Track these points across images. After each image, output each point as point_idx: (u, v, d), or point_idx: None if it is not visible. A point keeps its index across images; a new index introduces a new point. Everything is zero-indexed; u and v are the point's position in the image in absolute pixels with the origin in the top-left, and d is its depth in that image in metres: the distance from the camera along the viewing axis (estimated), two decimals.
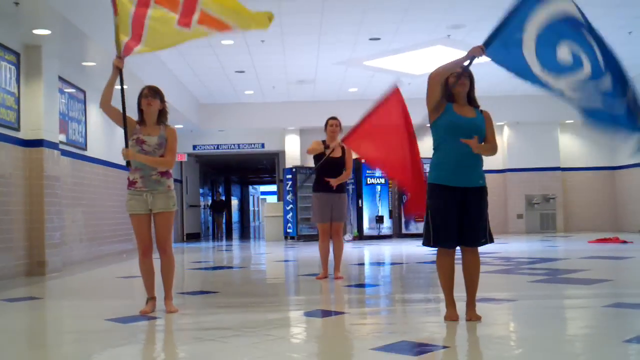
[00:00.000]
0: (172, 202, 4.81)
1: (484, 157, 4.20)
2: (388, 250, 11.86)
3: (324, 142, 6.80)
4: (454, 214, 4.07)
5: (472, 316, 4.10)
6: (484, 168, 4.23)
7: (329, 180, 6.61)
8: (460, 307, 4.18)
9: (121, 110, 4.70)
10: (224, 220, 24.34)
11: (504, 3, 4.02)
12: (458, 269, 4.16)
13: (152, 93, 4.79)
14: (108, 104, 4.68)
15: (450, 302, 4.16)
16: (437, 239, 4.09)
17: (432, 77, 4.09)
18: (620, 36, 10.90)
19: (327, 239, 6.79)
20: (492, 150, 4.20)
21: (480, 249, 4.20)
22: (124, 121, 4.68)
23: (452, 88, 4.12)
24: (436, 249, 4.17)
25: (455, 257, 4.18)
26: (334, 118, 6.82)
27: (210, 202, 24.72)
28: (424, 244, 4.18)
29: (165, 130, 4.80)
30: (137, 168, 4.75)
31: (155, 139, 4.74)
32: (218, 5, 4.62)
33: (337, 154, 6.67)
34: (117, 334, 4.10)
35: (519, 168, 17.12)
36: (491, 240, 4.18)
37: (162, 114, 4.85)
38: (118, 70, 4.66)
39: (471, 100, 4.20)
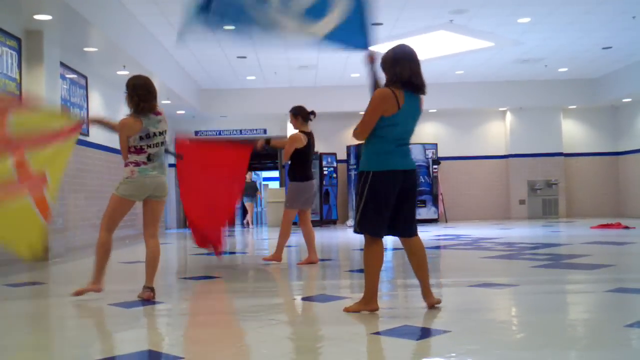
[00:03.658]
0: (116, 187, 4.86)
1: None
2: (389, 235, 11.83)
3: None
4: None
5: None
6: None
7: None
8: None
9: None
10: (256, 207, 20.33)
11: None
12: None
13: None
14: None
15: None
16: None
17: None
18: (624, 21, 10.83)
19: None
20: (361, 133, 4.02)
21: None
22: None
23: None
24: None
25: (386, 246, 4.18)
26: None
27: None
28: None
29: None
30: None
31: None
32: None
33: (302, 144, 6.81)
34: (119, 319, 4.12)
35: (522, 154, 17.07)
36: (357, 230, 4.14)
37: (132, 104, 4.92)
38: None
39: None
